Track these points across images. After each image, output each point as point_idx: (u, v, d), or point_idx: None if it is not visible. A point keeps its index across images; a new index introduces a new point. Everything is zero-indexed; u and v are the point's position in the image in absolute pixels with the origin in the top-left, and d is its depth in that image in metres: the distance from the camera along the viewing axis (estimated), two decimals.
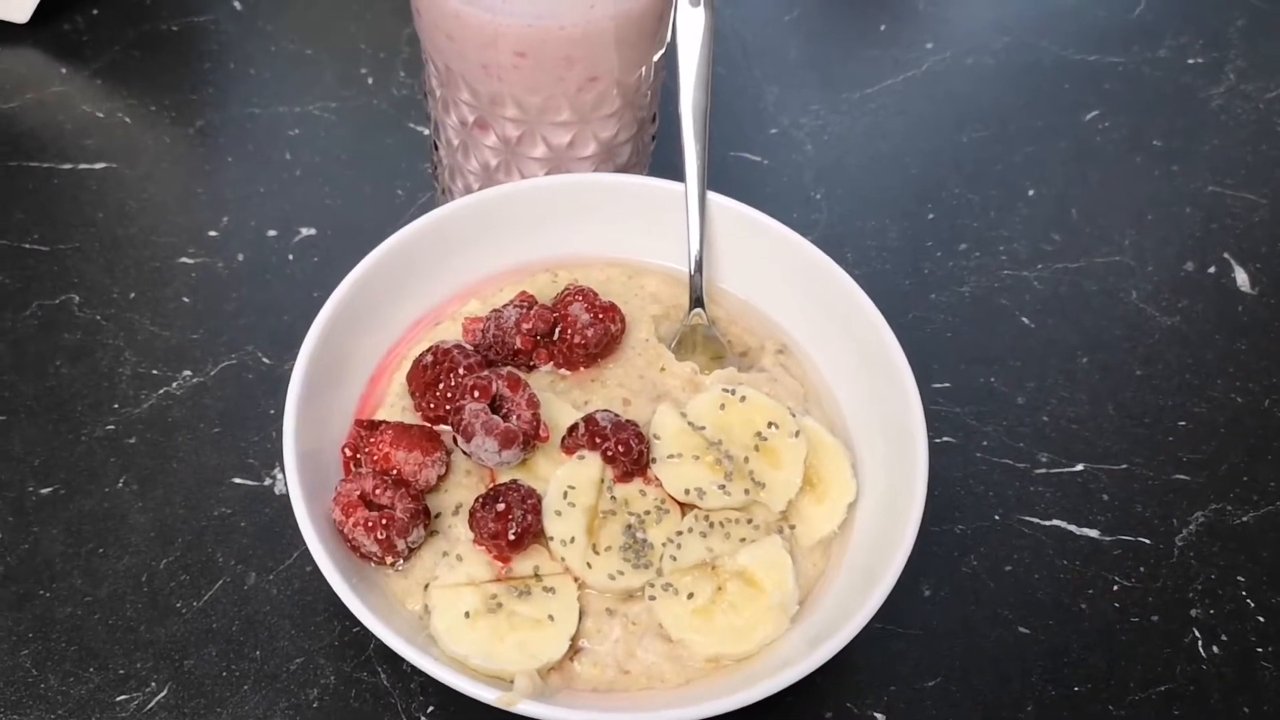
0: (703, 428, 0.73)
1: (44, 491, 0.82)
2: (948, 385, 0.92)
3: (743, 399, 0.74)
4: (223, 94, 1.08)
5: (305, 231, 0.98)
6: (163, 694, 0.74)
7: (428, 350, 0.75)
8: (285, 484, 0.70)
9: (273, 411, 0.87)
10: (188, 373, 0.89)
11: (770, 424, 0.73)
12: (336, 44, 1.13)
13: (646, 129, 0.86)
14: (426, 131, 0.99)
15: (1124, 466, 0.88)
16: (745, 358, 0.81)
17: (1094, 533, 0.85)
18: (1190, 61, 1.19)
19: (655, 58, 0.81)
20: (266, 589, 0.79)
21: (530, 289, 0.81)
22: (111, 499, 0.82)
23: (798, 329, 0.82)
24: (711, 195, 0.81)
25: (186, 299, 0.93)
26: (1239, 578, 0.83)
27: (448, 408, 0.73)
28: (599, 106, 0.79)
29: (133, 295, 0.92)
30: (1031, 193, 1.06)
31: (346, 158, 1.03)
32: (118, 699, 0.74)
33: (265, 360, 0.90)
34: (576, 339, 0.75)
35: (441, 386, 0.73)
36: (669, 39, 0.81)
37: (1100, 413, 0.91)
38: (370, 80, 1.10)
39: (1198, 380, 0.94)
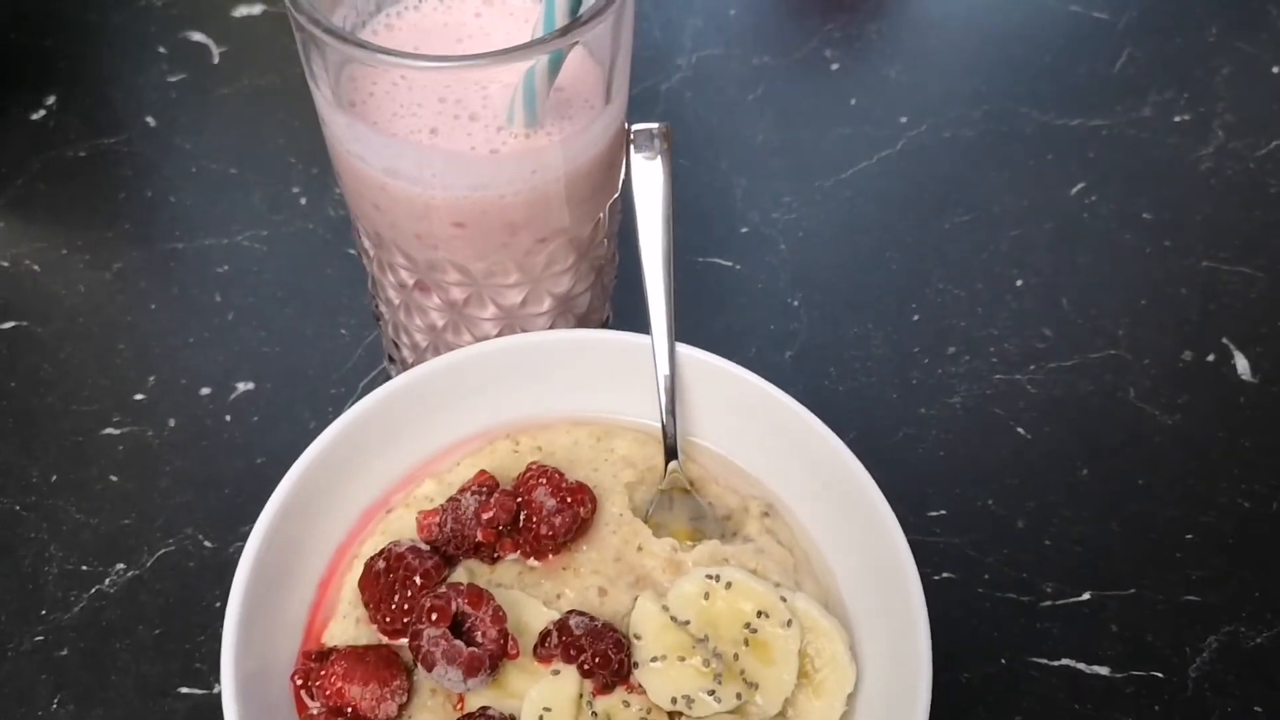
0: (686, 622, 0.70)
1: None
2: (944, 513, 0.89)
3: (728, 585, 0.71)
4: (142, 228, 1.04)
5: (242, 386, 0.94)
6: None
7: (380, 555, 0.71)
8: None
9: (219, 604, 0.83)
10: (121, 566, 0.85)
11: (760, 613, 0.70)
12: (264, 160, 1.09)
13: (606, 272, 0.82)
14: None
15: (1132, 591, 0.86)
16: (729, 521, 0.78)
17: (1105, 670, 0.83)
18: (1176, 119, 1.17)
19: (610, 203, 0.77)
20: None
21: (489, 464, 0.77)
22: None
23: (782, 486, 0.78)
24: (681, 348, 0.77)
25: (114, 478, 0.89)
26: (1256, 708, 0.81)
27: (405, 621, 0.69)
28: (551, 265, 0.75)
29: (54, 478, 0.88)
30: (1020, 283, 1.03)
31: (283, 295, 0.99)
32: None
33: (207, 544, 0.86)
34: (543, 529, 0.72)
35: (397, 599, 0.69)
36: (623, 178, 0.77)
37: (1105, 531, 0.89)
38: (303, 201, 1.06)
39: (1203, 486, 0.91)
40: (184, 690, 0.79)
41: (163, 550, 0.85)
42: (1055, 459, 0.92)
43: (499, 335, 0.80)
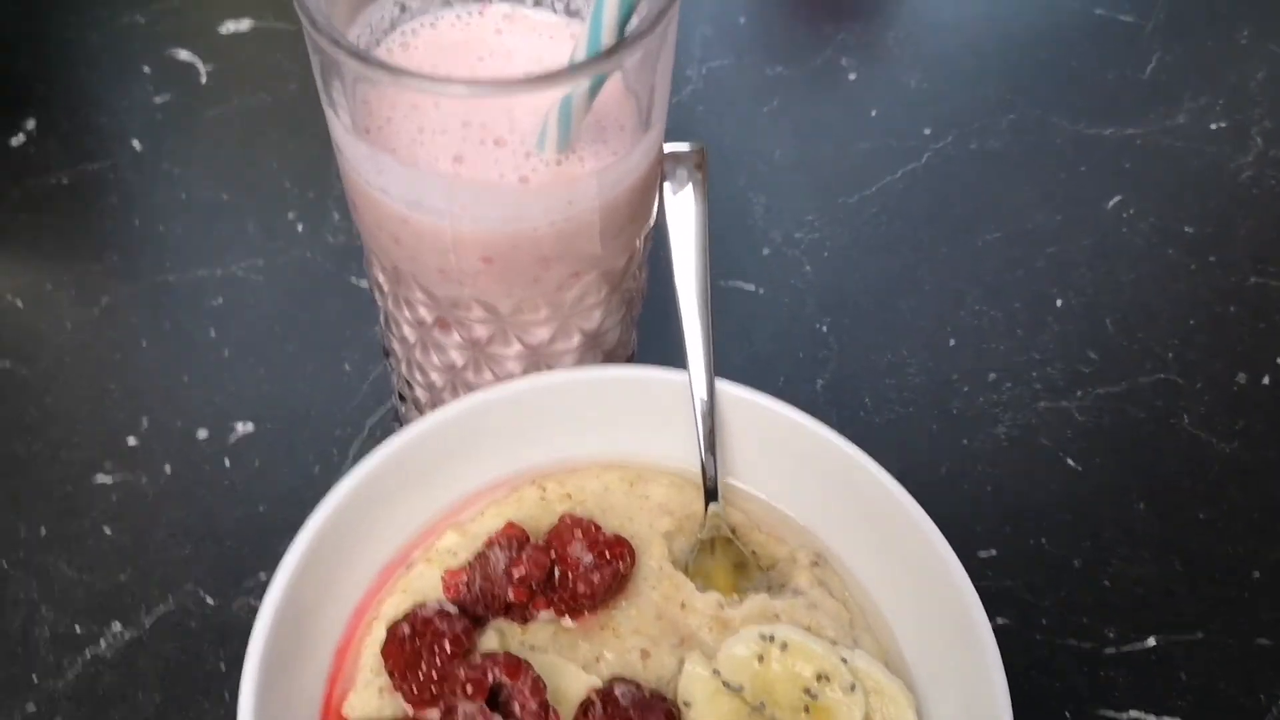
0: (740, 687, 0.65)
1: None
2: (994, 553, 0.84)
3: (784, 646, 0.66)
4: (130, 260, 0.98)
5: (241, 428, 0.88)
6: None
7: (404, 619, 0.66)
8: None
9: (223, 668, 0.78)
10: (118, 626, 0.79)
11: (820, 677, 0.65)
12: (257, 185, 1.04)
13: (635, 304, 0.77)
14: (366, 285, 0.90)
15: (1199, 635, 0.82)
16: (775, 572, 0.73)
17: None
18: (1213, 127, 1.13)
19: (644, 233, 0.72)
20: None
21: (515, 514, 0.72)
22: None
23: (832, 533, 0.73)
24: (721, 384, 0.72)
25: (108, 530, 0.83)
26: None
27: (434, 691, 0.64)
28: (582, 299, 0.70)
29: (44, 532, 0.83)
30: (1060, 303, 0.99)
31: (281, 329, 0.94)
32: None
33: (209, 601, 0.80)
34: (581, 587, 0.67)
35: (425, 667, 0.64)
36: (658, 207, 0.72)
37: (1166, 570, 0.85)
38: (300, 227, 1.00)
39: (1268, 520, 0.87)
40: None
41: (162, 609, 0.80)
42: (1109, 493, 0.88)
43: (523, 373, 0.75)
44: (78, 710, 0.76)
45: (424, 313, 0.72)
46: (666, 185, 0.73)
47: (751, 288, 0.99)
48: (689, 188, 0.73)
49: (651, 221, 0.73)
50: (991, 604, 0.78)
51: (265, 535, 0.84)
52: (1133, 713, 0.78)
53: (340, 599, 0.70)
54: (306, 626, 0.67)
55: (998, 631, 0.77)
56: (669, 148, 0.72)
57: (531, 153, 0.63)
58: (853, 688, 0.65)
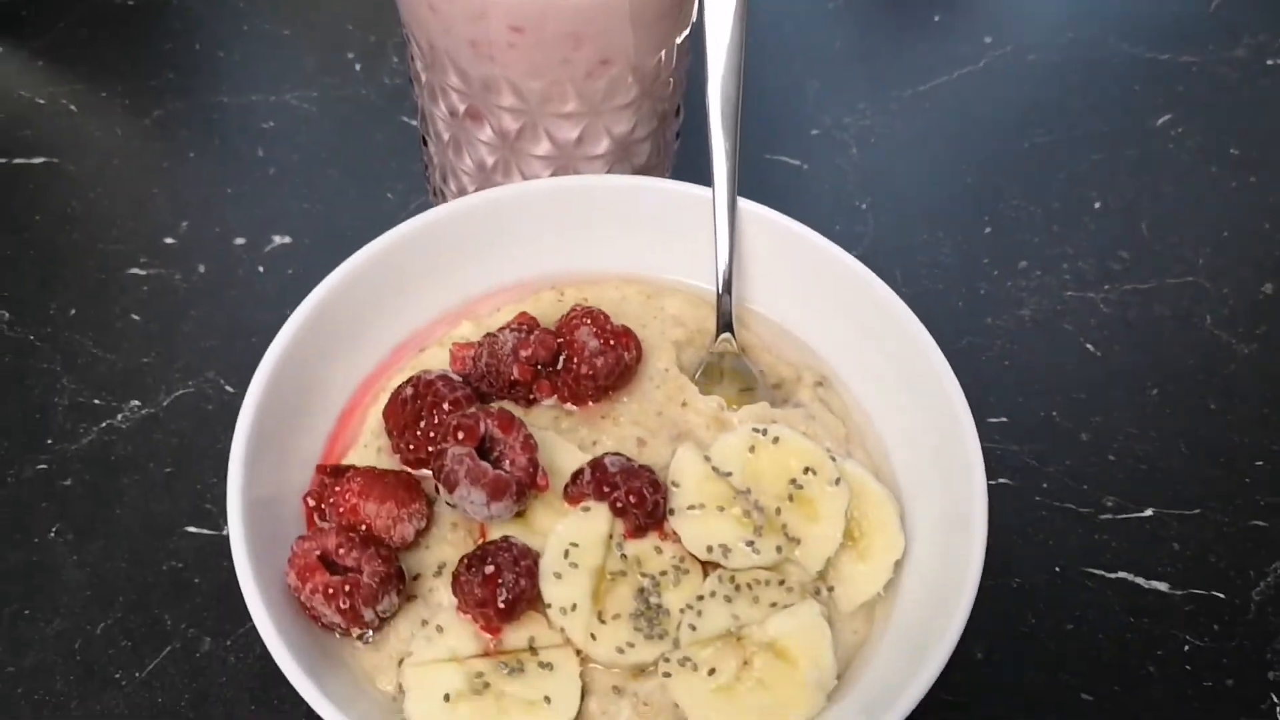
0: (729, 473, 0.66)
1: None
2: (1004, 420, 0.85)
3: (775, 440, 0.67)
4: (186, 80, 1.01)
5: (278, 240, 0.90)
6: None
7: (408, 382, 0.67)
8: None
9: None
10: (135, 403, 0.81)
11: (807, 469, 0.66)
12: (319, 24, 1.06)
13: (669, 124, 0.78)
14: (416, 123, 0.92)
15: (1196, 511, 0.82)
16: (779, 390, 0.74)
17: (1163, 586, 0.78)
18: (1270, 62, 1.12)
19: (679, 39, 0.73)
20: (222, 656, 0.71)
21: (532, 310, 0.73)
22: (42, 551, 0.75)
23: (839, 358, 0.74)
24: (743, 203, 0.73)
25: (136, 316, 0.85)
26: None
27: (430, 449, 0.65)
28: (612, 95, 0.71)
29: (73, 312, 0.85)
30: (1098, 205, 0.99)
31: (328, 156, 0.96)
32: None
33: (227, 389, 0.82)
34: (584, 369, 0.68)
35: (423, 425, 0.65)
36: (694, 18, 0.73)
37: (1171, 451, 0.85)
38: (357, 66, 1.03)
39: (1277, 415, 0.87)
40: (191, 529, 0.76)
41: (181, 391, 0.82)
42: (1125, 378, 0.88)
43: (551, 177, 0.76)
44: (88, 473, 0.78)
45: (456, 100, 0.73)
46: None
47: (797, 163, 1.00)
48: (729, 6, 0.74)
49: (687, 30, 0.74)
50: (995, 465, 0.79)
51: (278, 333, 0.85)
52: (1121, 574, 0.78)
53: (349, 370, 0.71)
54: (311, 389, 0.69)
55: (998, 490, 0.78)
56: None
57: None
58: (837, 481, 0.65)
